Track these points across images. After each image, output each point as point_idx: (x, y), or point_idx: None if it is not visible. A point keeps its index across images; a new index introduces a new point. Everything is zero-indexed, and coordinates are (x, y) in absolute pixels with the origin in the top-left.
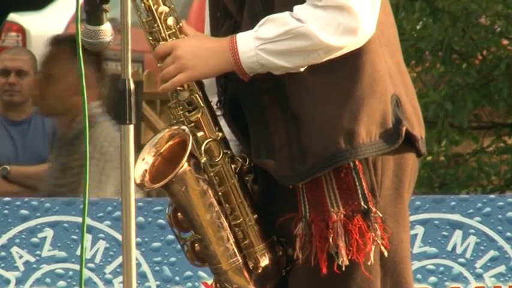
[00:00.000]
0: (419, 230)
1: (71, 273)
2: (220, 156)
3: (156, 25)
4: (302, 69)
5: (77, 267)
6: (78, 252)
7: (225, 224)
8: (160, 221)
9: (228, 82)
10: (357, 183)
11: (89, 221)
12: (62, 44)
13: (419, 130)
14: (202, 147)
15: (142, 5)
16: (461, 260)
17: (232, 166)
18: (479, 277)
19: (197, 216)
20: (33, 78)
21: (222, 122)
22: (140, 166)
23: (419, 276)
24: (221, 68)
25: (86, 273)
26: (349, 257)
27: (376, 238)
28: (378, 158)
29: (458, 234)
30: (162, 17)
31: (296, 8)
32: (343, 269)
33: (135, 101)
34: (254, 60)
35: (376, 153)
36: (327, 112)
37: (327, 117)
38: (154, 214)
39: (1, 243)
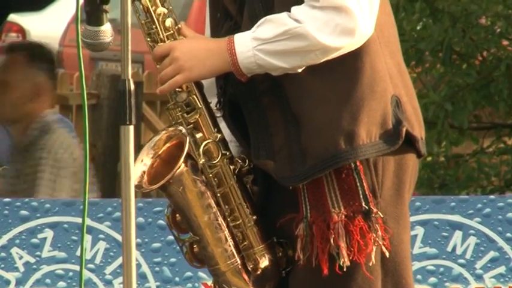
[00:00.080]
0: (419, 231)
1: (71, 274)
2: (219, 157)
3: (154, 26)
4: (300, 70)
5: (77, 268)
6: (78, 253)
7: (224, 225)
8: (161, 221)
9: (227, 83)
10: (358, 184)
11: (89, 221)
12: (17, 51)
13: (419, 131)
14: (201, 149)
15: (141, 6)
16: (461, 260)
17: (231, 167)
18: (479, 278)
19: (195, 217)
20: None
21: (222, 124)
22: (138, 168)
23: (419, 276)
24: (219, 69)
25: (86, 274)
26: (350, 258)
27: (377, 239)
28: (379, 159)
29: (458, 235)
30: (160, 19)
31: (294, 8)
32: (344, 269)
33: (135, 101)
34: (252, 60)
35: (376, 154)
36: (326, 113)
37: (326, 118)
38: (154, 215)
39: (1, 244)
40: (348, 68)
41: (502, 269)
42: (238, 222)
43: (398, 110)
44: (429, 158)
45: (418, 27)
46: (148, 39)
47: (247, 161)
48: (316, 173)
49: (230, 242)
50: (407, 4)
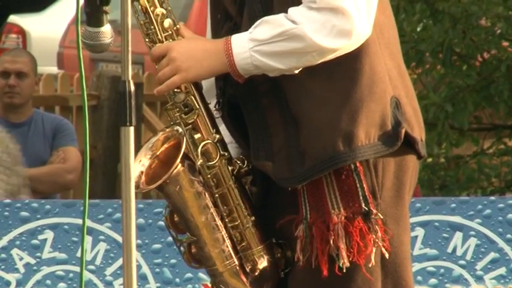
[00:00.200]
0: (420, 232)
1: (71, 275)
2: (218, 158)
3: (152, 27)
4: (297, 71)
5: (77, 269)
6: (78, 254)
7: (221, 225)
8: (161, 222)
9: (227, 84)
10: (358, 185)
11: (89, 222)
12: None
13: (419, 132)
14: (199, 149)
15: (139, 6)
16: (462, 262)
17: (230, 168)
18: (479, 279)
19: (192, 217)
20: (33, 80)
21: (222, 126)
22: (136, 168)
23: (419, 278)
24: (216, 70)
25: (87, 275)
26: (350, 259)
27: (377, 240)
28: (379, 160)
29: (458, 236)
30: (159, 19)
31: (291, 9)
32: (344, 270)
33: (135, 103)
34: (248, 61)
35: (375, 155)
36: (325, 114)
37: (325, 119)
38: (154, 216)
39: (1, 245)
40: (347, 69)
41: (502, 270)
42: (236, 223)
43: (398, 112)
44: (429, 159)
45: (419, 29)
46: (147, 39)
47: (246, 162)
48: (315, 174)
49: (228, 242)
50: (408, 5)
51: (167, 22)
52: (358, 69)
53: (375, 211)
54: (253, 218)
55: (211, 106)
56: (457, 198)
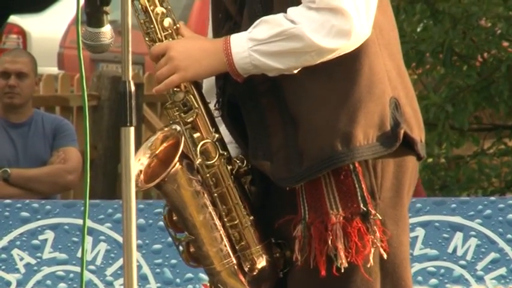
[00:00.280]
0: (420, 232)
1: (71, 275)
2: (217, 157)
3: (152, 26)
4: (296, 71)
5: (77, 269)
6: (78, 254)
7: (219, 225)
8: (161, 223)
9: (227, 83)
10: (357, 186)
11: (89, 223)
12: None
13: (418, 133)
14: (198, 148)
15: (140, 5)
16: (462, 262)
17: (229, 167)
18: (480, 279)
19: (190, 216)
20: (33, 80)
21: (223, 127)
22: (135, 167)
23: (420, 278)
24: (215, 69)
25: (87, 275)
26: (348, 259)
27: (375, 241)
28: (378, 161)
29: (459, 236)
30: (159, 18)
31: (290, 9)
32: (342, 271)
33: (135, 103)
34: (247, 61)
35: (373, 156)
36: (324, 114)
37: (324, 119)
38: (155, 216)
39: (2, 245)
40: (346, 70)
41: (502, 270)
42: (235, 222)
43: (397, 112)
44: (430, 160)
45: (419, 29)
46: (147, 38)
47: (245, 161)
48: (313, 174)
49: (226, 241)
50: (408, 6)
51: (167, 21)
52: (357, 70)
53: (373, 212)
54: (252, 218)
55: (211, 106)
56: (458, 199)
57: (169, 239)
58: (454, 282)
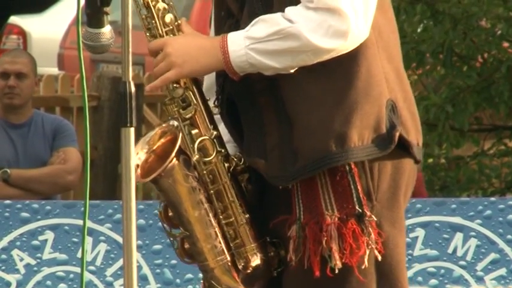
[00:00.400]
0: (420, 233)
1: (71, 275)
2: (214, 154)
3: (153, 21)
4: (292, 71)
5: (77, 269)
6: (78, 255)
7: (214, 221)
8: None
9: (226, 81)
10: (352, 187)
11: (89, 223)
12: None
13: (415, 136)
14: (196, 145)
15: (142, 1)
16: (462, 262)
17: (226, 165)
18: (480, 280)
19: (185, 212)
20: (33, 80)
21: (222, 125)
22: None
23: (420, 278)
24: (211, 66)
25: (87, 275)
26: (343, 261)
27: (370, 242)
28: (375, 162)
29: (459, 236)
30: (160, 14)
31: (288, 9)
32: (336, 272)
33: (135, 103)
34: (244, 59)
35: (368, 157)
36: (320, 114)
37: (319, 119)
38: (155, 217)
39: (2, 245)
40: (344, 71)
41: (502, 271)
42: (231, 220)
43: (394, 115)
44: (430, 160)
45: (419, 30)
46: (148, 34)
47: (242, 159)
48: (306, 174)
49: (220, 238)
50: (408, 6)
51: (168, 17)
52: (355, 72)
53: (368, 213)
54: (247, 216)
55: (211, 103)
56: (458, 199)
57: None
58: (454, 283)
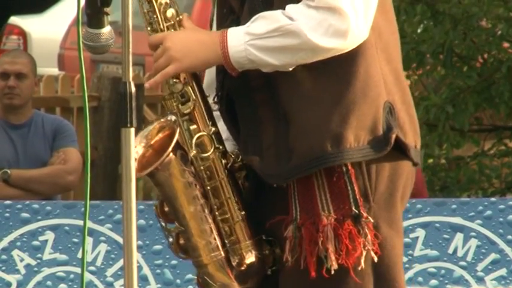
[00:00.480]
0: (421, 233)
1: (72, 276)
2: (212, 150)
3: (155, 16)
4: (291, 69)
5: (78, 270)
6: (79, 255)
7: (210, 217)
8: None
9: (226, 78)
10: (349, 188)
11: (90, 224)
12: None
13: (413, 139)
14: (194, 140)
15: None
16: (463, 263)
17: (223, 161)
18: (480, 280)
19: (181, 207)
20: (33, 81)
21: (221, 122)
22: None
23: (420, 279)
24: (210, 61)
25: (87, 276)
26: (339, 261)
27: (366, 243)
28: (373, 163)
29: (459, 237)
30: (162, 8)
31: (289, 6)
32: (332, 272)
33: (136, 104)
34: (243, 55)
35: (363, 158)
36: (316, 114)
37: (316, 119)
38: (155, 217)
39: (2, 246)
40: (342, 71)
41: (503, 271)
42: (226, 216)
43: (391, 117)
44: (430, 160)
45: (419, 30)
46: (149, 28)
47: (240, 156)
48: (301, 173)
49: (215, 235)
50: (409, 7)
51: (170, 12)
52: (353, 72)
53: (365, 214)
54: (243, 213)
55: (211, 100)
56: (458, 200)
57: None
58: (454, 283)
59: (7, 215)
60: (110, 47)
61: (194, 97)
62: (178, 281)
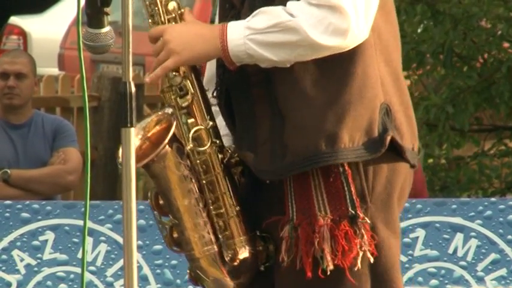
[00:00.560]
0: (421, 233)
1: (72, 276)
2: (209, 144)
3: (156, 8)
4: (289, 65)
5: (78, 270)
6: (79, 255)
7: (204, 212)
8: None
9: (225, 72)
10: (346, 189)
11: (90, 224)
12: None
13: (411, 141)
14: (191, 134)
15: None
16: (463, 263)
17: (220, 156)
18: (480, 280)
19: (175, 200)
20: (32, 81)
21: (220, 117)
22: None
23: (420, 279)
24: (209, 55)
25: (87, 276)
26: (335, 262)
27: (363, 244)
28: (370, 164)
29: (459, 237)
30: (163, 1)
31: (290, 3)
32: (328, 273)
33: (136, 104)
34: (242, 49)
35: (357, 159)
36: (312, 112)
37: (311, 117)
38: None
39: (2, 246)
40: (340, 71)
41: (503, 271)
42: (221, 211)
43: (387, 118)
44: (430, 160)
45: (419, 30)
46: (150, 20)
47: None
48: (294, 170)
49: (209, 229)
50: (409, 7)
51: (171, 5)
52: (351, 72)
53: (361, 215)
54: (238, 208)
55: (210, 94)
56: (458, 200)
57: None
58: (454, 283)
59: (7, 215)
60: (110, 47)
61: (193, 91)
62: (178, 281)
